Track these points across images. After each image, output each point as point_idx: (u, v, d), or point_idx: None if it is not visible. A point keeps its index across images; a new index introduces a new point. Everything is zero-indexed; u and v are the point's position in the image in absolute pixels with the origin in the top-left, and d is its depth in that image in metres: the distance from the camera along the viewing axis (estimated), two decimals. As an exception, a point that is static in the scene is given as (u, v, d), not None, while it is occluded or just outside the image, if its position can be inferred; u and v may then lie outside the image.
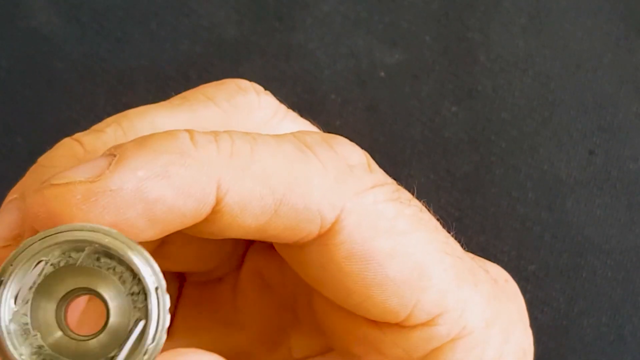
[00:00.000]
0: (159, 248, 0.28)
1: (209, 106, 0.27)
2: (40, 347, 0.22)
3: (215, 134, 0.24)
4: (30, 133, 0.39)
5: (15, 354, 0.22)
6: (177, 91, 0.29)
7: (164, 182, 0.23)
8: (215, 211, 0.23)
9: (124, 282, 0.22)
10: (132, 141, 0.23)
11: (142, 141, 0.23)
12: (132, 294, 0.22)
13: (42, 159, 0.25)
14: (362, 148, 0.29)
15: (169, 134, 0.23)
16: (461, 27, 0.41)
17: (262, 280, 0.30)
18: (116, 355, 0.22)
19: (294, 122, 0.28)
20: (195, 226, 0.24)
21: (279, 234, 0.25)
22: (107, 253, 0.22)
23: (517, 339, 0.28)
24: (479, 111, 0.40)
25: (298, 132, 0.26)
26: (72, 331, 0.23)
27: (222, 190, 0.23)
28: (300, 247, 0.25)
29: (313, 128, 0.29)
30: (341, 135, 0.29)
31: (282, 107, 0.28)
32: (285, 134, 0.25)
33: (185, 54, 0.39)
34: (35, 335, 0.22)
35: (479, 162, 0.40)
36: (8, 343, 0.22)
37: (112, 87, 0.40)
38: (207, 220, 0.24)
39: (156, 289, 0.22)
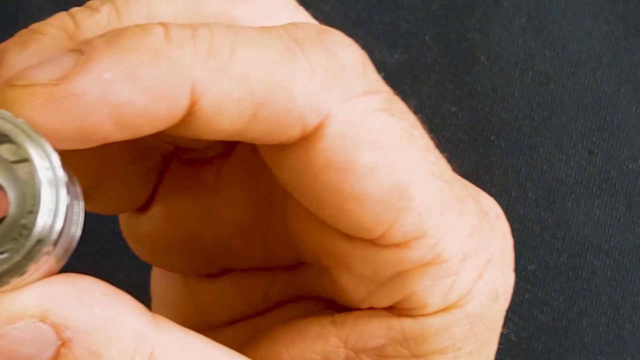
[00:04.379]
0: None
1: None
2: None
3: (194, 27, 0.22)
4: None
5: None
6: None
7: (133, 84, 0.21)
8: (189, 114, 0.22)
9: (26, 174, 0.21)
10: (102, 37, 0.22)
11: (113, 38, 0.22)
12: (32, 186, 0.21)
13: (34, 25, 0.24)
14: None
15: (142, 29, 0.22)
16: (461, 27, 0.41)
17: (245, 170, 0.28)
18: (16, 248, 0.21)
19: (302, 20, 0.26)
20: (169, 129, 0.23)
21: (258, 137, 0.23)
22: (9, 141, 0.21)
23: (493, 278, 0.26)
24: (479, 111, 0.40)
25: (291, 24, 0.24)
26: None
27: (196, 92, 0.22)
28: (280, 148, 0.24)
29: None
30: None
31: (292, 1, 0.26)
32: (275, 27, 0.23)
33: (185, 54, 0.39)
34: None
35: (478, 162, 0.40)
36: None
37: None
38: (181, 122, 0.22)
39: (51, 182, 0.21)
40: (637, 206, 0.40)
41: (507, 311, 0.27)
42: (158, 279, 0.30)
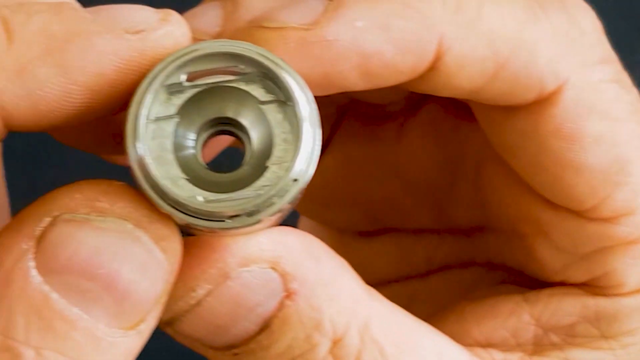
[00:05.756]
0: None
1: None
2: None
3: None
4: (29, 133, 0.39)
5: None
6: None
7: (384, 35, 0.21)
8: (432, 68, 0.22)
9: (274, 110, 0.21)
10: None
11: None
12: (280, 123, 0.21)
13: None
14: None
15: None
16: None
17: (434, 129, 0.27)
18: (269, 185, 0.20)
19: None
20: (407, 83, 0.22)
21: (493, 98, 0.23)
22: (264, 75, 0.20)
23: None
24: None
25: None
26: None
27: (442, 47, 0.22)
28: (507, 110, 0.24)
29: None
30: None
31: None
32: None
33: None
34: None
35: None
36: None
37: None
38: (422, 77, 0.22)
39: (311, 120, 0.20)
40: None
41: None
42: None
